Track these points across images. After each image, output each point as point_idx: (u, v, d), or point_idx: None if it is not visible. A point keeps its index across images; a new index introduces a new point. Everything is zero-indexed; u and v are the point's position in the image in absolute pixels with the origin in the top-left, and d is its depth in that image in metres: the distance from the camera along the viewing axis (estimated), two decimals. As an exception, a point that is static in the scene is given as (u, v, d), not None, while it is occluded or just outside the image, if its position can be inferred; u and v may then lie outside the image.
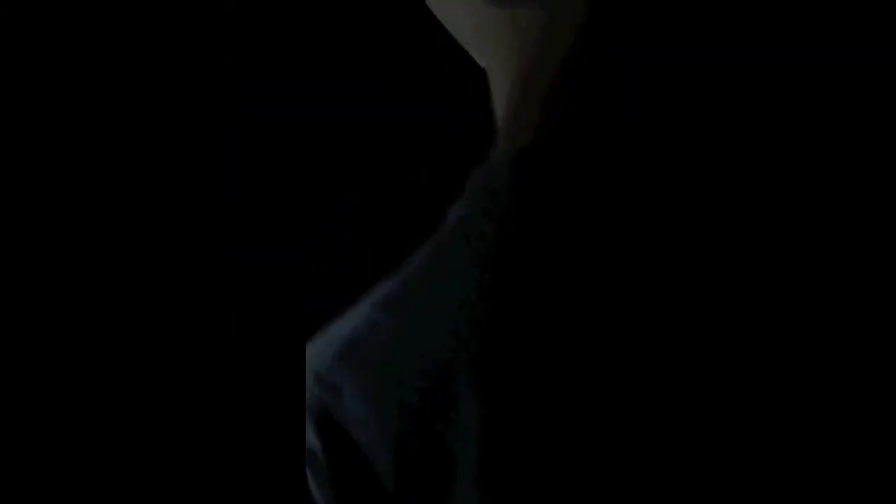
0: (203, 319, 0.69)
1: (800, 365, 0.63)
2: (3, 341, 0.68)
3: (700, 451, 0.64)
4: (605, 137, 0.69)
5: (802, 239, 0.66)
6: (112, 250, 0.69)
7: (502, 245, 0.67)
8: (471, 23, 0.75)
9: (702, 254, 0.66)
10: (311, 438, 0.69)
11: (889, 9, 0.69)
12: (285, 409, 0.69)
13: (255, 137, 0.72)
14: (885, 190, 0.66)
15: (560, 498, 0.64)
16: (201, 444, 0.68)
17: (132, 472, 0.68)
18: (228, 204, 0.70)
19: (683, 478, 0.64)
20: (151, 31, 0.70)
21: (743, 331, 0.64)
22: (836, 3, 0.70)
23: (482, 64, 0.77)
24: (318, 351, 0.72)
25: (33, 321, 0.68)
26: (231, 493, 0.68)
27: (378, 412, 0.68)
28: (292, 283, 0.71)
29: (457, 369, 0.66)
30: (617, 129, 0.69)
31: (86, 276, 0.68)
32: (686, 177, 0.68)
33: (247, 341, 0.69)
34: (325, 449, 0.69)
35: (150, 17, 0.70)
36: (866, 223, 0.66)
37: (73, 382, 0.68)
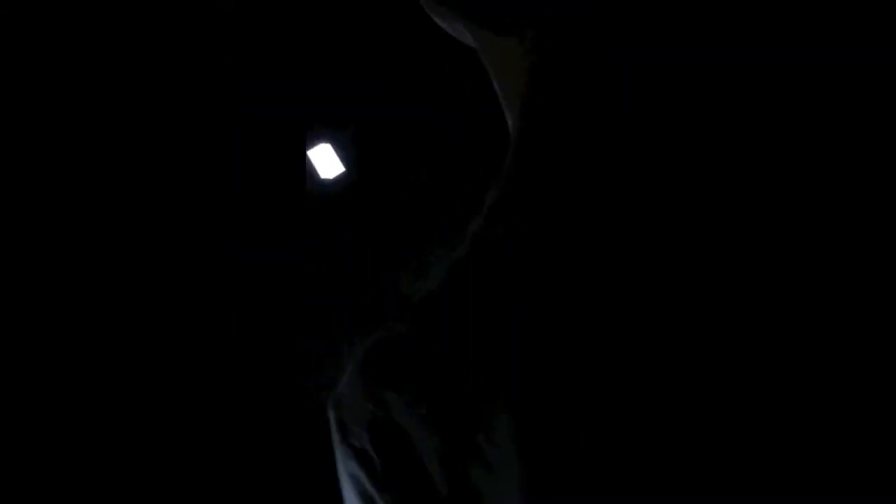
0: (203, 319, 0.69)
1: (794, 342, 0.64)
2: (3, 341, 0.68)
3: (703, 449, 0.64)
4: (599, 136, 0.69)
5: (794, 230, 0.66)
6: (112, 250, 0.69)
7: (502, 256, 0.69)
8: (477, 45, 0.77)
9: (702, 255, 0.66)
10: (364, 439, 0.72)
11: (889, 9, 0.69)
12: (285, 407, 0.69)
13: (255, 137, 0.72)
14: (883, 189, 0.67)
15: (596, 496, 0.65)
16: (201, 441, 0.69)
17: (132, 469, 0.68)
18: (228, 204, 0.70)
19: (695, 476, 0.64)
20: (152, 32, 0.70)
21: (744, 356, 0.65)
22: (836, 3, 0.70)
23: (493, 79, 0.79)
24: (367, 364, 0.74)
25: (33, 320, 0.68)
26: (231, 490, 0.68)
27: (424, 429, 0.71)
28: (292, 283, 0.71)
29: (492, 389, 0.69)
30: (613, 127, 0.69)
31: (85, 275, 0.69)
32: (684, 177, 0.68)
33: (247, 341, 0.69)
34: (376, 448, 0.72)
35: (150, 18, 0.70)
36: (864, 225, 0.66)
37: (71, 381, 0.68)
